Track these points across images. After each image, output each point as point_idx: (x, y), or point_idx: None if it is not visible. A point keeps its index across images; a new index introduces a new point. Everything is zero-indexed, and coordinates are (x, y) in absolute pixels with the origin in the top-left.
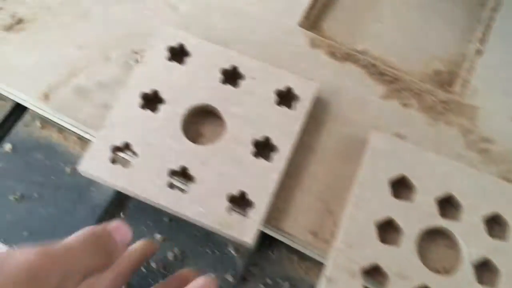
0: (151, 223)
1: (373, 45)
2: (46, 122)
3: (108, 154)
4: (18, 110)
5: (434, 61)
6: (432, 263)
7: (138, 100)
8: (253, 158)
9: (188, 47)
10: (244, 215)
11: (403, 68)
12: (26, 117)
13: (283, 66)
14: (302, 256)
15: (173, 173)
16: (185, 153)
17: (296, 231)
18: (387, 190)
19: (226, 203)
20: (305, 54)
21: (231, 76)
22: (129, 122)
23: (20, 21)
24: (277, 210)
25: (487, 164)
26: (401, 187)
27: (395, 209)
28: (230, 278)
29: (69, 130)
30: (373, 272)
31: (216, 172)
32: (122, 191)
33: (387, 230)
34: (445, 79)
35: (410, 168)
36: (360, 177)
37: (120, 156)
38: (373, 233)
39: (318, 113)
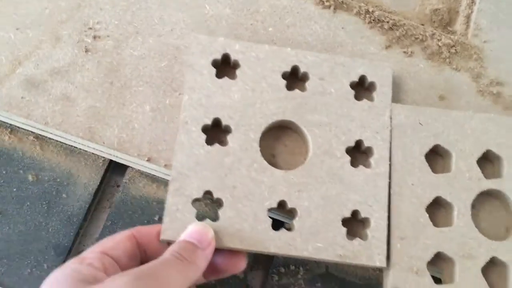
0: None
1: None
2: None
3: (191, 211)
4: None
5: None
6: (491, 230)
7: (200, 135)
8: (353, 169)
9: (234, 56)
10: (365, 237)
11: (398, 9)
12: None
13: (266, 25)
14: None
15: (271, 210)
16: (277, 184)
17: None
18: (425, 167)
19: (342, 229)
20: (290, 8)
21: (293, 79)
22: (200, 166)
23: None
24: None
25: (504, 110)
26: (433, 158)
27: (439, 185)
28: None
29: (24, 129)
30: (437, 261)
31: (318, 196)
32: (221, 248)
33: (434, 209)
34: (445, 18)
35: (441, 135)
36: (393, 162)
37: (204, 208)
38: (425, 219)
39: None
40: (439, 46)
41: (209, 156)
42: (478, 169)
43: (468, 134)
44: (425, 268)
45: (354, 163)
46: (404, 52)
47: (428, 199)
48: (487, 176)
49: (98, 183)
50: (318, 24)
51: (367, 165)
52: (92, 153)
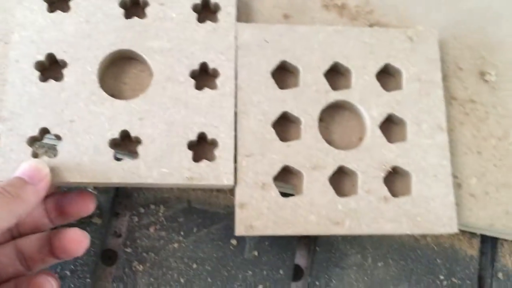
0: None
1: None
2: None
3: (26, 150)
4: None
5: None
6: (343, 141)
7: (33, 73)
8: (197, 92)
9: None
10: (213, 158)
11: None
12: None
13: None
14: None
15: (114, 143)
16: (118, 114)
17: None
18: (271, 84)
19: (188, 153)
20: None
21: (133, 6)
22: (34, 104)
23: None
24: None
25: (350, 21)
26: (283, 74)
27: (286, 100)
28: None
29: None
30: (286, 175)
31: (162, 122)
32: (61, 185)
33: (282, 126)
34: None
35: (287, 51)
36: (239, 81)
37: (41, 146)
38: (271, 135)
39: None
40: None
41: (43, 93)
42: (326, 82)
43: (315, 48)
44: (271, 182)
45: (199, 86)
46: None
47: (275, 115)
48: (339, 88)
49: None
50: None
51: (212, 86)
52: None
